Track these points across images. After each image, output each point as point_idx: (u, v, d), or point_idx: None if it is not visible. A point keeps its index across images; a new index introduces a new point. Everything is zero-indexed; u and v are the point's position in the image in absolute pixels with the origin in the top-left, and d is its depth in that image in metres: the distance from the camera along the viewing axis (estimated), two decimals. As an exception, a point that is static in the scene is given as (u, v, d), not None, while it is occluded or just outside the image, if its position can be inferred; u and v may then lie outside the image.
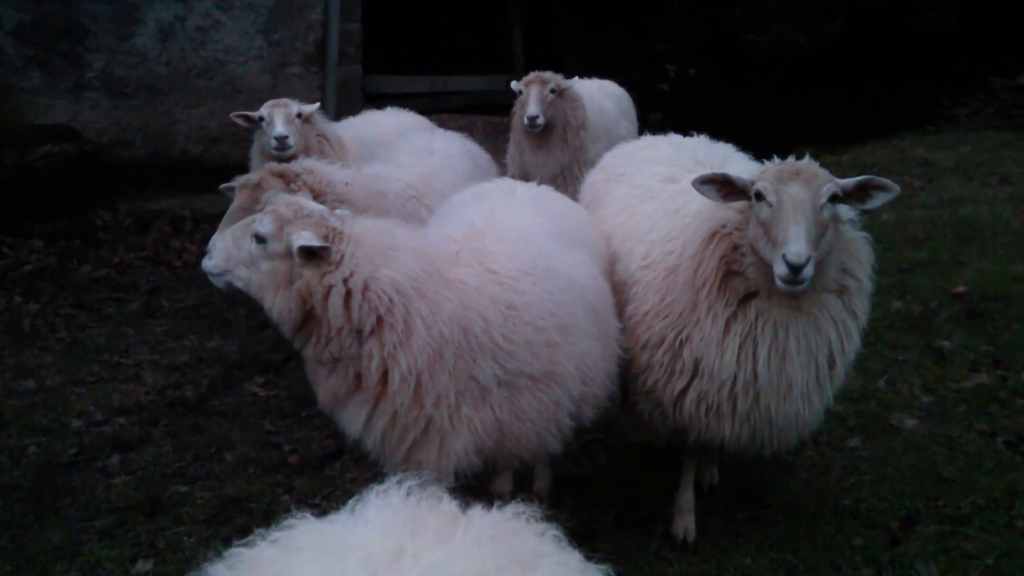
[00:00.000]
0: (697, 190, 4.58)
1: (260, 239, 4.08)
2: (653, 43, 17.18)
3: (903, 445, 6.23)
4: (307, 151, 7.71)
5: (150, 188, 11.90)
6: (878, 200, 4.48)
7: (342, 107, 12.66)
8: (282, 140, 7.54)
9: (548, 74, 9.41)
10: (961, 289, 8.31)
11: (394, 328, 4.01)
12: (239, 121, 8.06)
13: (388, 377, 4.07)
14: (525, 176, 9.90)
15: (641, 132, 8.06)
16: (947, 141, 14.25)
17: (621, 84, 11.68)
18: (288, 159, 7.07)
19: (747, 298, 4.60)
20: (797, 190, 4.26)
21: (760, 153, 5.01)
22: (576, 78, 9.84)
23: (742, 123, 12.70)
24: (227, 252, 4.23)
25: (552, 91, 9.26)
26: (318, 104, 8.19)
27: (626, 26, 18.26)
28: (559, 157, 9.64)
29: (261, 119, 7.81)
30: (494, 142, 13.10)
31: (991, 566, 4.95)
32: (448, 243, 4.59)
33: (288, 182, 5.90)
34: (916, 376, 7.08)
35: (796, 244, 4.12)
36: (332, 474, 6.30)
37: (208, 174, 12.09)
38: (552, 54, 16.72)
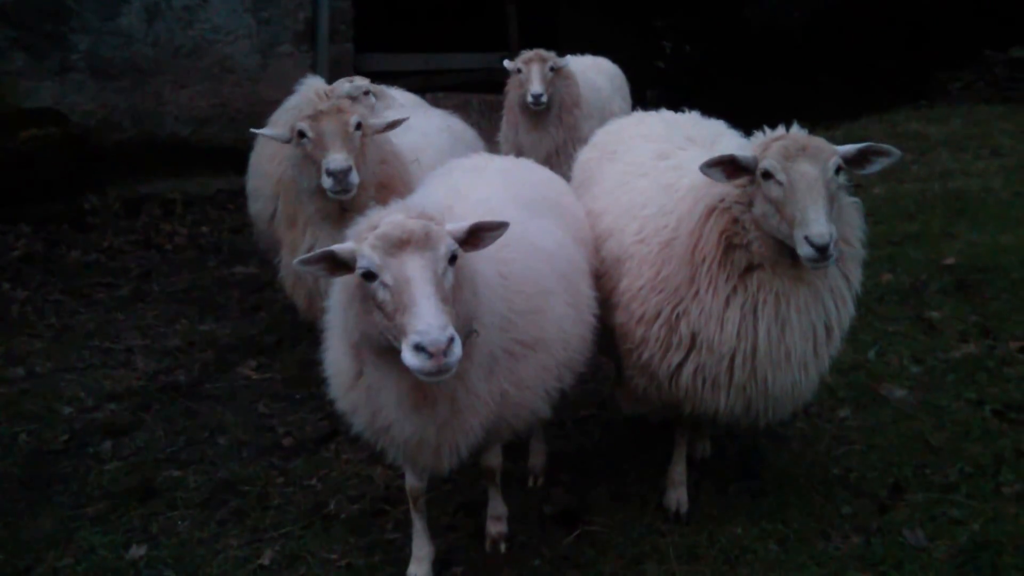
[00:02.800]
0: (705, 173, 4.54)
1: (454, 257, 3.70)
2: (649, 19, 17.13)
3: (892, 415, 6.27)
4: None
5: (139, 171, 11.90)
6: (878, 165, 4.51)
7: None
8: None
9: (546, 52, 9.41)
10: (951, 261, 8.34)
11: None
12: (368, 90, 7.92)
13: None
14: (519, 154, 9.90)
15: (636, 109, 8.07)
16: (939, 115, 14.27)
17: (616, 61, 11.66)
18: None
19: (748, 270, 4.61)
20: (807, 167, 4.27)
21: (756, 128, 5.01)
22: (568, 55, 9.83)
23: (738, 99, 12.71)
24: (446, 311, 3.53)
25: (551, 69, 9.27)
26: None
27: (622, 2, 18.20)
28: (554, 135, 9.64)
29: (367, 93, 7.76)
30: (489, 120, 13.08)
31: (977, 532, 4.98)
32: None
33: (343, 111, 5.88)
34: (906, 347, 7.11)
35: (818, 225, 4.13)
36: (327, 456, 6.31)
37: (198, 156, 12.15)
38: (546, 31, 16.63)
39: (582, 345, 4.86)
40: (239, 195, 10.66)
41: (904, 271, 8.31)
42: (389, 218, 3.76)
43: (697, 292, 4.70)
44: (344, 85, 7.75)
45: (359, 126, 5.74)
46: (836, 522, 5.25)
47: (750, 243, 4.55)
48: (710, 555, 5.06)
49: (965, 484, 5.45)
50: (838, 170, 4.35)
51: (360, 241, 3.69)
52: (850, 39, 16.76)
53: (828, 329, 4.66)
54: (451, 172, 5.44)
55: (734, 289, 4.61)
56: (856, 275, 4.72)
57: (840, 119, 14.33)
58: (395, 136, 6.82)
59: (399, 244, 3.56)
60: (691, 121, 6.08)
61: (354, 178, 5.51)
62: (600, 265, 5.42)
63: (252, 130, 6.51)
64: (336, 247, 3.72)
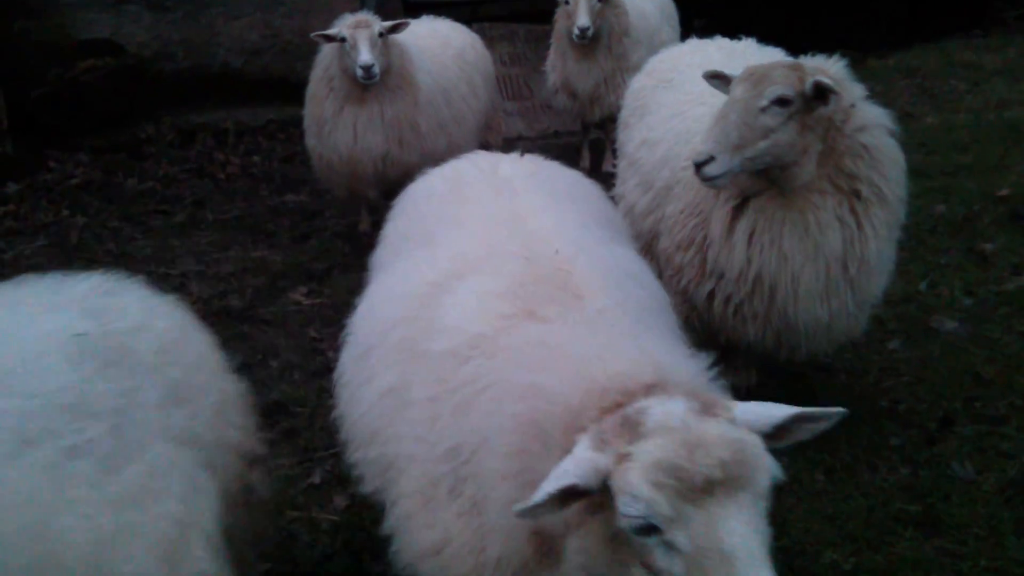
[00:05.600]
0: (707, 82, 4.79)
1: None
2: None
3: (942, 347, 6.23)
4: (388, 70, 7.74)
5: (193, 101, 11.97)
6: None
7: (381, 17, 12.54)
8: (368, 70, 7.46)
9: (594, -19, 9.33)
10: (1005, 192, 8.22)
11: None
12: (319, 41, 7.89)
13: None
14: (567, 84, 9.88)
15: (685, 37, 7.95)
16: (994, 44, 13.98)
17: (665, -13, 11.50)
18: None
19: (748, 198, 4.70)
20: (737, 92, 4.42)
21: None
22: (615, -17, 9.72)
23: (788, 28, 12.48)
24: None
25: (598, -1, 9.20)
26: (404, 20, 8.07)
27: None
28: (603, 65, 9.64)
29: (343, 40, 7.61)
30: (536, 50, 13.00)
31: (1027, 465, 4.98)
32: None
33: None
34: (957, 279, 7.05)
35: (702, 144, 4.37)
36: (375, 379, 6.39)
37: (250, 86, 12.19)
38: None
39: None
40: (290, 125, 10.77)
41: (957, 202, 8.20)
42: (664, 407, 2.33)
43: (711, 217, 4.86)
44: None
45: None
46: (884, 453, 5.26)
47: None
48: (755, 484, 5.09)
49: (1015, 417, 5.42)
50: (781, 102, 4.35)
51: (618, 460, 2.26)
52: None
53: (845, 266, 4.64)
54: (482, 195, 3.90)
55: (738, 214, 4.71)
56: (883, 217, 4.65)
57: (893, 48, 14.08)
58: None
59: (705, 487, 2.19)
60: (749, 49, 6.04)
61: None
62: (654, 199, 5.41)
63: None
64: (582, 473, 2.26)
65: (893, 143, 4.68)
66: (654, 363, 2.51)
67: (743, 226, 4.68)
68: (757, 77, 4.40)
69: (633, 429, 2.28)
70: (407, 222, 4.13)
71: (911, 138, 9.51)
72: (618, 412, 2.35)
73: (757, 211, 4.65)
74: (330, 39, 7.70)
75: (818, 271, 4.62)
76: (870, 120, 4.53)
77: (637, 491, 2.17)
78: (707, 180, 4.39)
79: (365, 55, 7.42)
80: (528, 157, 4.43)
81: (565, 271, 3.10)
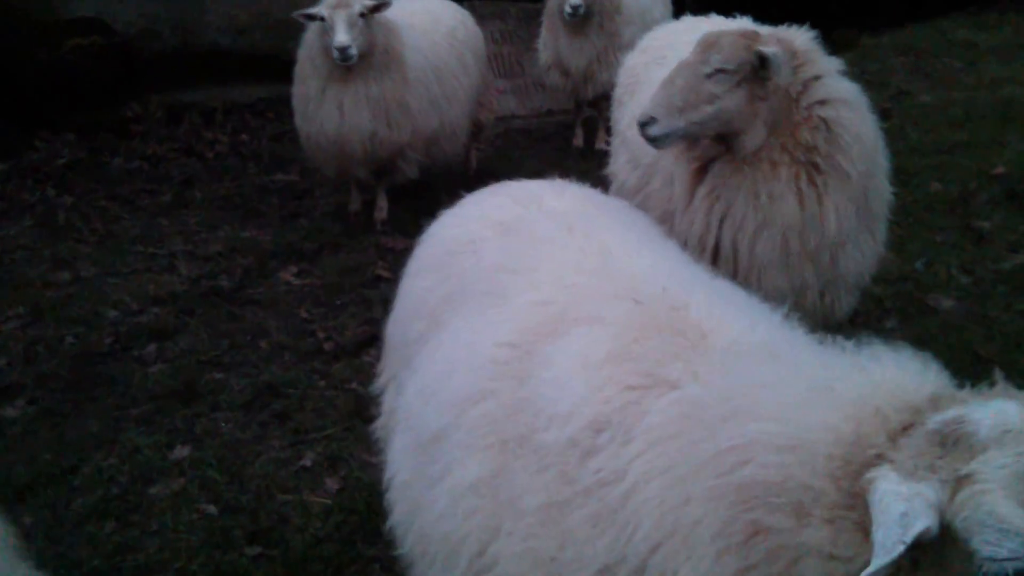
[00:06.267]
0: None
1: None
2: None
3: (940, 326, 6.17)
4: (372, 50, 7.64)
5: (181, 80, 11.84)
6: None
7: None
8: (344, 51, 7.36)
9: (584, -41, 9.26)
10: (1001, 170, 8.17)
11: None
12: (302, 21, 7.80)
13: None
14: (559, 62, 9.83)
15: (677, 15, 7.85)
16: (989, 22, 13.96)
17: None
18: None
19: (708, 163, 4.67)
20: (688, 56, 4.46)
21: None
22: (609, -39, 9.65)
23: (783, 6, 12.41)
24: None
25: (591, -24, 9.15)
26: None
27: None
28: (595, 43, 9.63)
29: (322, 19, 7.50)
30: (527, 28, 12.92)
31: (1026, 444, 4.91)
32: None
33: None
34: (954, 257, 7.00)
35: (647, 105, 4.40)
36: (368, 360, 6.31)
37: (238, 65, 12.08)
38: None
39: None
40: (279, 104, 10.68)
41: (953, 180, 8.16)
42: (989, 409, 1.79)
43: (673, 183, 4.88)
44: None
45: None
46: (881, 433, 5.19)
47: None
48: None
49: (1014, 396, 5.37)
50: (733, 72, 4.33)
51: (956, 486, 1.71)
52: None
53: (805, 238, 4.51)
54: (524, 226, 3.29)
55: (695, 179, 4.69)
56: (837, 190, 4.48)
57: (888, 26, 14.03)
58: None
59: None
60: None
61: None
62: (642, 176, 5.37)
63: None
64: (923, 509, 1.67)
65: (858, 118, 4.52)
66: (921, 369, 2.06)
67: (702, 191, 4.65)
68: (707, 43, 4.40)
69: (960, 445, 1.73)
70: (446, 277, 3.35)
71: (906, 116, 9.54)
72: (914, 433, 1.82)
73: (715, 176, 4.61)
74: (311, 18, 7.61)
75: (773, 240, 4.52)
76: (833, 94, 4.42)
77: (1007, 520, 1.60)
78: (650, 141, 4.42)
79: (341, 36, 7.33)
80: (565, 185, 3.74)
81: (682, 310, 2.54)
